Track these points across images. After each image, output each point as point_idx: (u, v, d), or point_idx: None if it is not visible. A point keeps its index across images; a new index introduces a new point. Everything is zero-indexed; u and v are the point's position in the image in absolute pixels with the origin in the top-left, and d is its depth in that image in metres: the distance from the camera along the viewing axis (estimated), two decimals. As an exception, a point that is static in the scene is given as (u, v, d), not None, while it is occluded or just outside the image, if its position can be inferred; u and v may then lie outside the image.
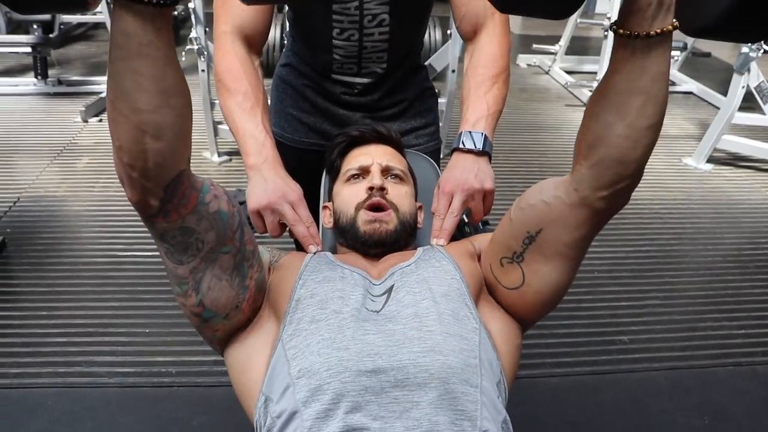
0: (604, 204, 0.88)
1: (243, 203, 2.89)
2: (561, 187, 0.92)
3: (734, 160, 3.84)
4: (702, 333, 2.33)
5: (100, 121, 4.06)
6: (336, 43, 1.32)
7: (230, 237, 0.92)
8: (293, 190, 1.17)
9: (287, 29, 4.17)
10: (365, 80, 1.39)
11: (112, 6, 0.69)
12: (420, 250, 1.12)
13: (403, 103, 1.45)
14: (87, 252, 2.66)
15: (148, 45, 0.71)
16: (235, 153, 3.55)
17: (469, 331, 0.94)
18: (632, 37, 0.74)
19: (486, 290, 1.07)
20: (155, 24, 0.70)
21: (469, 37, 1.32)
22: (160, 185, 0.79)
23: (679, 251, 2.88)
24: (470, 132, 1.21)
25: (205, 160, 3.56)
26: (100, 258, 2.61)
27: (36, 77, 4.51)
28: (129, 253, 2.63)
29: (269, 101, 1.51)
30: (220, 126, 3.46)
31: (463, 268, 1.05)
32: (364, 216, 1.13)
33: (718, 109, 3.89)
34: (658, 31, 0.73)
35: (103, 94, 4.29)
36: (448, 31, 3.26)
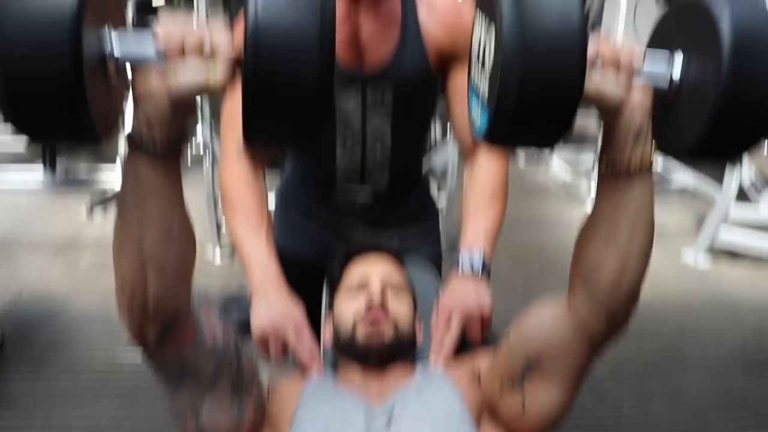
0: (604, 331, 0.90)
1: (242, 303, 2.88)
2: (559, 313, 0.94)
3: (733, 255, 3.85)
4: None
5: (106, 215, 4.11)
6: (339, 156, 1.37)
7: (227, 366, 0.93)
8: (296, 311, 1.19)
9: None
10: (368, 192, 1.43)
11: (127, 146, 0.75)
12: (420, 372, 1.12)
13: (405, 216, 1.49)
14: (86, 354, 2.64)
15: (156, 186, 0.75)
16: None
17: None
18: (614, 172, 0.79)
19: (487, 413, 1.07)
20: (166, 168, 0.75)
21: (468, 151, 1.36)
22: (159, 319, 0.81)
23: (682, 351, 2.85)
24: (469, 253, 1.24)
25: (207, 256, 3.57)
26: (99, 360, 2.58)
27: (44, 166, 4.59)
28: (129, 356, 2.61)
29: (273, 213, 1.56)
30: (222, 222, 3.50)
31: (464, 393, 1.05)
32: (362, 329, 1.14)
33: (714, 201, 3.94)
34: (638, 164, 0.78)
35: (110, 188, 4.36)
36: (449, 131, 3.36)
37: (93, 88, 0.64)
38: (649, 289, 0.88)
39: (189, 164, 5.31)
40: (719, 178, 3.88)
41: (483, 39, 0.75)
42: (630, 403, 2.44)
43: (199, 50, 0.70)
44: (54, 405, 2.29)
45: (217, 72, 0.70)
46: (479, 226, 1.27)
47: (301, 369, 1.18)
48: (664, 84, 0.76)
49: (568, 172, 5.35)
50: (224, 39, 0.70)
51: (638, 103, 0.76)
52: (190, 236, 0.83)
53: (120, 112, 0.76)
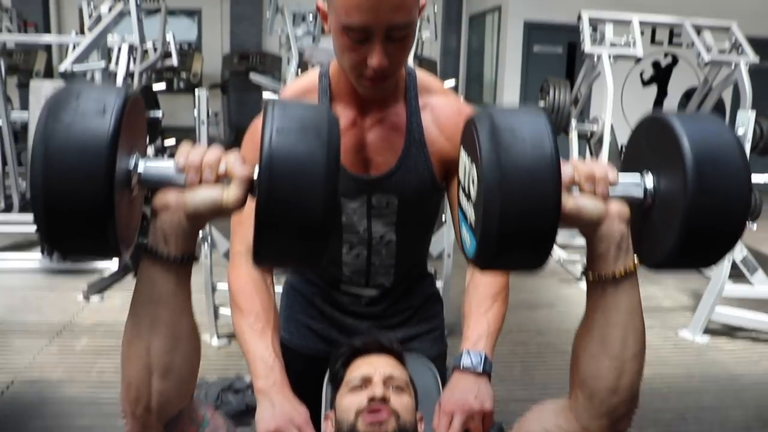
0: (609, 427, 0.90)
1: (239, 391, 2.84)
2: (561, 415, 0.95)
3: (730, 331, 3.85)
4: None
5: (102, 299, 4.11)
6: (345, 260, 1.39)
7: None
8: (300, 413, 1.18)
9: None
10: (373, 292, 1.45)
11: (142, 256, 0.80)
12: None
13: (409, 310, 1.50)
14: (80, 441, 2.59)
15: (168, 294, 0.80)
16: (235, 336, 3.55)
17: None
18: (601, 280, 0.83)
19: None
20: (178, 277, 0.80)
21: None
22: (161, 421, 0.84)
23: (685, 430, 2.81)
24: (471, 352, 1.25)
25: (205, 343, 3.55)
26: (93, 448, 2.53)
27: (42, 253, 4.62)
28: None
29: (279, 307, 1.57)
30: (219, 310, 3.51)
31: None
32: (364, 422, 1.15)
33: (709, 278, 3.97)
34: (621, 272, 0.82)
35: (106, 273, 4.38)
36: (443, 217, 3.39)
37: (120, 207, 0.70)
38: (648, 368, 0.90)
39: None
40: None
41: (468, 171, 0.82)
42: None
43: (215, 170, 0.76)
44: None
45: (231, 192, 0.76)
46: (481, 326, 1.28)
47: None
48: (639, 197, 0.82)
49: (562, 251, 5.39)
50: (239, 162, 0.76)
51: (616, 213, 0.81)
52: (196, 343, 0.86)
53: (137, 227, 0.82)
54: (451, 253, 3.23)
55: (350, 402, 1.20)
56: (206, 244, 3.36)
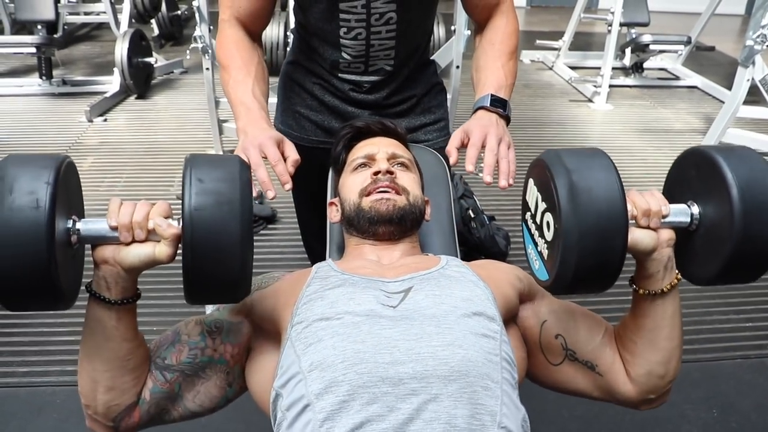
0: (652, 404, 1.02)
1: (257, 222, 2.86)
2: (619, 379, 1.01)
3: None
4: (709, 326, 2.33)
5: (105, 120, 4.08)
6: (344, 42, 1.32)
7: (171, 388, 0.97)
8: (267, 135, 1.15)
9: (291, 27, 4.16)
10: (373, 78, 1.39)
11: (88, 296, 0.89)
12: (443, 260, 1.08)
13: (412, 99, 1.45)
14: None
15: (111, 328, 0.88)
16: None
17: (490, 331, 0.92)
18: (650, 294, 0.93)
19: (514, 322, 1.06)
20: (119, 314, 0.88)
21: (482, 23, 1.35)
22: (109, 420, 0.94)
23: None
24: (496, 95, 1.22)
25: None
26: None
27: (41, 77, 4.53)
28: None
29: (277, 99, 1.52)
30: (224, 124, 3.47)
31: (492, 287, 1.02)
32: (369, 198, 1.13)
33: (723, 102, 3.88)
34: (669, 287, 0.92)
35: (108, 94, 4.31)
36: (452, 27, 3.24)
37: (63, 263, 0.78)
38: (655, 187, 0.94)
39: (188, 65, 5.23)
40: (729, 80, 3.79)
41: (539, 209, 0.90)
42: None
43: (145, 228, 0.83)
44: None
45: (162, 250, 0.83)
46: (500, 76, 1.25)
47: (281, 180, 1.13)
48: (686, 224, 0.90)
49: (572, 71, 5.25)
50: (165, 222, 0.83)
51: (666, 241, 0.89)
52: (139, 356, 0.93)
53: (80, 281, 0.88)
54: (459, 64, 3.11)
55: (353, 181, 1.17)
56: (207, 56, 3.25)
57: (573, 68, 5.36)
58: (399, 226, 1.12)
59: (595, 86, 4.68)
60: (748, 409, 1.95)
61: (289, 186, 1.10)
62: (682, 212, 0.90)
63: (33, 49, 4.40)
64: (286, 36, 4.69)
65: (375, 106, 1.42)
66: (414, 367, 0.84)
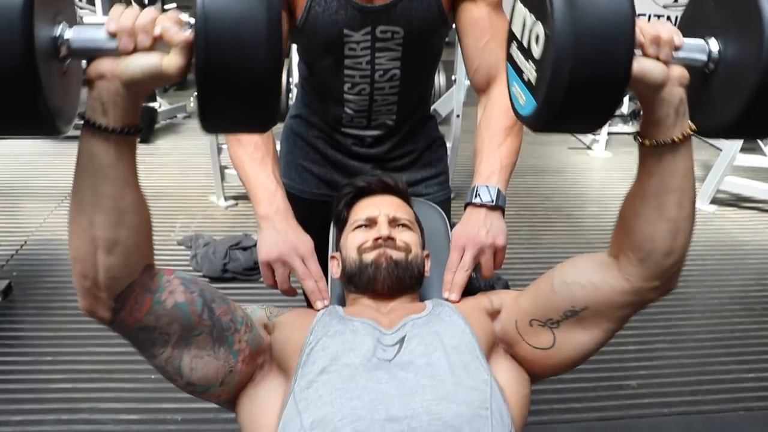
0: (657, 292, 0.93)
1: (247, 249, 2.89)
2: (609, 273, 0.95)
3: (737, 201, 3.85)
4: (712, 377, 2.30)
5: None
6: (347, 97, 1.34)
7: (197, 321, 0.91)
8: (304, 243, 1.17)
9: (293, 75, 4.22)
10: (375, 132, 1.41)
11: (82, 127, 0.75)
12: (430, 304, 1.12)
13: (413, 153, 1.46)
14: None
15: (109, 167, 0.75)
16: (242, 197, 3.57)
17: (479, 382, 0.94)
18: (659, 145, 0.82)
19: (498, 345, 1.08)
20: (118, 149, 0.75)
21: (482, 89, 1.32)
22: (111, 296, 0.82)
23: (685, 293, 2.87)
24: (484, 186, 1.21)
25: (212, 204, 3.58)
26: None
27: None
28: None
29: (279, 152, 1.53)
30: (226, 170, 3.49)
31: (473, 325, 1.05)
32: (370, 253, 1.15)
33: (720, 150, 3.92)
34: (680, 136, 0.81)
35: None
36: (453, 77, 3.30)
37: (48, 77, 0.64)
38: None
39: (191, 111, 5.29)
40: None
41: (529, 27, 0.77)
42: (634, 344, 2.46)
43: (150, 33, 0.69)
44: (62, 345, 2.32)
45: (171, 60, 0.69)
46: (494, 160, 1.23)
47: (308, 299, 1.18)
48: (702, 62, 0.78)
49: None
50: (176, 25, 0.69)
51: (677, 78, 0.78)
52: (142, 216, 0.82)
53: (77, 103, 0.76)
54: (460, 113, 3.15)
55: (354, 239, 1.20)
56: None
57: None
58: (398, 281, 1.14)
59: (594, 134, 4.73)
60: (752, 463, 1.92)
61: (328, 302, 1.15)
62: (699, 48, 0.78)
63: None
64: (289, 83, 4.75)
65: (377, 159, 1.44)
66: (409, 424, 0.86)
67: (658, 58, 0.76)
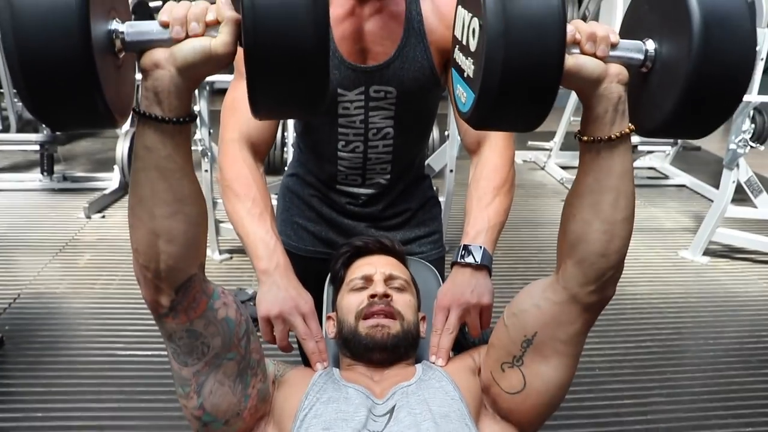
0: (594, 297, 0.93)
1: (243, 303, 2.88)
2: (549, 288, 0.97)
3: (730, 252, 3.87)
4: (708, 432, 2.28)
5: (103, 217, 4.12)
6: (341, 155, 1.37)
7: (235, 344, 0.95)
8: (306, 301, 1.18)
9: (288, 130, 4.28)
10: (369, 191, 1.43)
11: (137, 121, 0.78)
12: (420, 368, 1.13)
13: (407, 212, 1.48)
14: (85, 351, 2.64)
15: (166, 158, 0.78)
16: (237, 251, 3.58)
17: None
18: (596, 141, 0.83)
19: (486, 404, 1.08)
20: (174, 140, 0.78)
21: (473, 150, 1.34)
22: (172, 287, 0.85)
23: (680, 346, 2.86)
24: (469, 246, 1.22)
25: (207, 258, 3.56)
26: (98, 357, 2.59)
27: (42, 173, 4.61)
28: (128, 352, 2.61)
29: (275, 209, 1.56)
30: (221, 224, 3.51)
31: (462, 387, 1.06)
32: (366, 322, 1.15)
33: (711, 201, 3.96)
34: (618, 134, 0.82)
35: (107, 191, 4.37)
36: (446, 132, 3.35)
37: (104, 71, 0.66)
38: (647, 285, 0.93)
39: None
40: (716, 178, 3.90)
41: (467, 24, 0.80)
42: (629, 398, 2.44)
43: (202, 20, 0.73)
44: (54, 401, 2.29)
45: (219, 38, 0.73)
46: (482, 220, 1.24)
47: (305, 358, 1.18)
48: (638, 61, 0.81)
49: (564, 171, 5.37)
50: (226, 6, 0.73)
51: (615, 74, 0.80)
52: (200, 205, 0.85)
53: (132, 96, 0.79)
54: (453, 168, 3.20)
55: (351, 302, 1.20)
56: (206, 158, 3.33)
57: (564, 168, 5.47)
58: (393, 353, 1.15)
59: (577, 132, 4.75)
60: None
61: (327, 364, 1.15)
62: (636, 48, 0.81)
63: (37, 147, 4.51)
64: (284, 136, 4.81)
65: (371, 218, 1.46)
66: None
67: (595, 55, 0.78)
